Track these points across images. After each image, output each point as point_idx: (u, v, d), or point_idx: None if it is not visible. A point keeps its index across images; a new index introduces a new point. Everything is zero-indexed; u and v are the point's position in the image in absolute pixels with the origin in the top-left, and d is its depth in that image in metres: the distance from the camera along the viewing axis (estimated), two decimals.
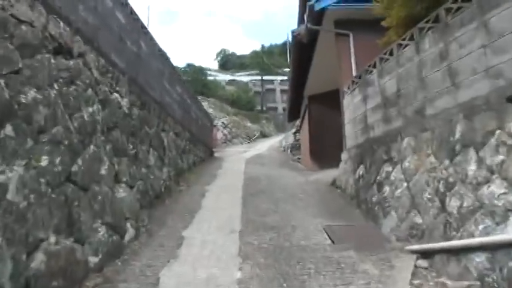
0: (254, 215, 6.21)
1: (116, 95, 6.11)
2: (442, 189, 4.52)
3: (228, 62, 57.64)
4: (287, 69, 52.30)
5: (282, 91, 46.10)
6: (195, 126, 13.19)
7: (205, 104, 28.97)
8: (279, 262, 4.29)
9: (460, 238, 4.02)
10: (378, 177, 6.29)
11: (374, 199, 6.26)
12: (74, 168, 4.18)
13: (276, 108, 45.38)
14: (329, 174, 9.68)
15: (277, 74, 48.32)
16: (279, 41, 62.39)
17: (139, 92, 7.31)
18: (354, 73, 8.43)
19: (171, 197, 7.53)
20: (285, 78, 48.05)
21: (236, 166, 12.86)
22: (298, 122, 22.02)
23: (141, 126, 7.06)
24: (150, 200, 6.58)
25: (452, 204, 4.26)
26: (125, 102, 6.40)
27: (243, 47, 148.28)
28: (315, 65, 11.28)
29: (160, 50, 9.25)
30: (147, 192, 6.51)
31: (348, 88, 8.10)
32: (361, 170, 7.14)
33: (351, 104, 7.95)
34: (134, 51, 7.32)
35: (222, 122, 28.92)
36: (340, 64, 8.84)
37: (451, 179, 4.40)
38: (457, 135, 4.42)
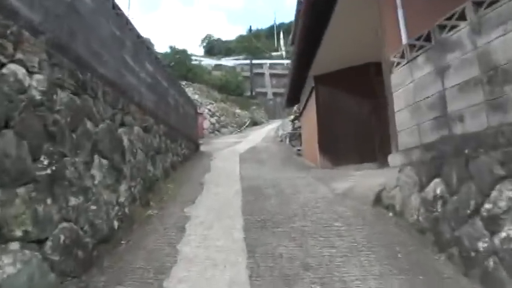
0: (272, 282, 3.46)
1: (13, 67, 3.28)
2: None
3: (213, 47, 54.45)
4: (275, 53, 50.02)
5: (272, 75, 43.60)
6: (175, 116, 10.31)
7: (189, 90, 25.96)
8: None
9: None
10: (486, 206, 3.58)
11: (481, 245, 3.56)
12: None
13: (265, 93, 42.45)
14: (359, 181, 6.98)
15: (266, 58, 45.60)
16: (264, 26, 59.85)
17: (75, 66, 4.48)
18: (404, 36, 5.69)
19: (132, 234, 4.75)
20: (275, 61, 45.74)
21: (229, 166, 10.07)
22: (295, 108, 19.26)
23: (75, 122, 4.23)
24: (87, 254, 3.78)
25: None
26: (35, 82, 3.56)
27: (228, 33, 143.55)
28: (332, 32, 8.44)
29: (116, 7, 6.32)
30: (79, 242, 3.70)
31: (402, 57, 5.33)
32: (437, 187, 4.42)
33: (407, 81, 5.19)
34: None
35: (209, 110, 25.88)
36: (382, 24, 6.04)
37: None
38: None
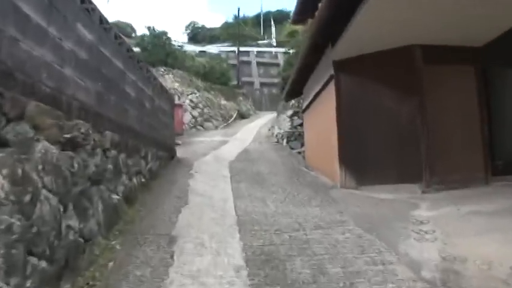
0: None
1: None
2: None
3: (197, 34, 51.58)
4: (261, 41, 46.86)
5: (259, 64, 40.72)
6: (138, 114, 6.98)
7: (169, 77, 22.47)
8: None
9: None
10: None
11: None
12: None
13: (252, 83, 39.41)
14: (445, 240, 3.97)
15: (252, 46, 42.79)
16: (248, 14, 57.65)
17: None
18: None
19: None
20: (263, 49, 42.75)
21: (216, 191, 6.87)
22: (294, 101, 16.12)
23: None
24: None
25: None
26: None
27: (209, 21, 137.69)
28: None
29: None
30: None
31: None
32: None
33: None
34: None
35: (191, 100, 22.38)
36: None
37: None
38: None
